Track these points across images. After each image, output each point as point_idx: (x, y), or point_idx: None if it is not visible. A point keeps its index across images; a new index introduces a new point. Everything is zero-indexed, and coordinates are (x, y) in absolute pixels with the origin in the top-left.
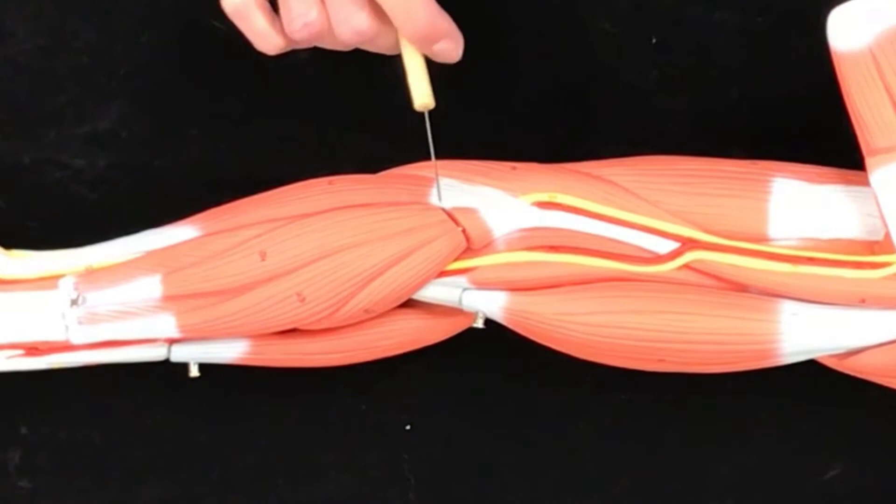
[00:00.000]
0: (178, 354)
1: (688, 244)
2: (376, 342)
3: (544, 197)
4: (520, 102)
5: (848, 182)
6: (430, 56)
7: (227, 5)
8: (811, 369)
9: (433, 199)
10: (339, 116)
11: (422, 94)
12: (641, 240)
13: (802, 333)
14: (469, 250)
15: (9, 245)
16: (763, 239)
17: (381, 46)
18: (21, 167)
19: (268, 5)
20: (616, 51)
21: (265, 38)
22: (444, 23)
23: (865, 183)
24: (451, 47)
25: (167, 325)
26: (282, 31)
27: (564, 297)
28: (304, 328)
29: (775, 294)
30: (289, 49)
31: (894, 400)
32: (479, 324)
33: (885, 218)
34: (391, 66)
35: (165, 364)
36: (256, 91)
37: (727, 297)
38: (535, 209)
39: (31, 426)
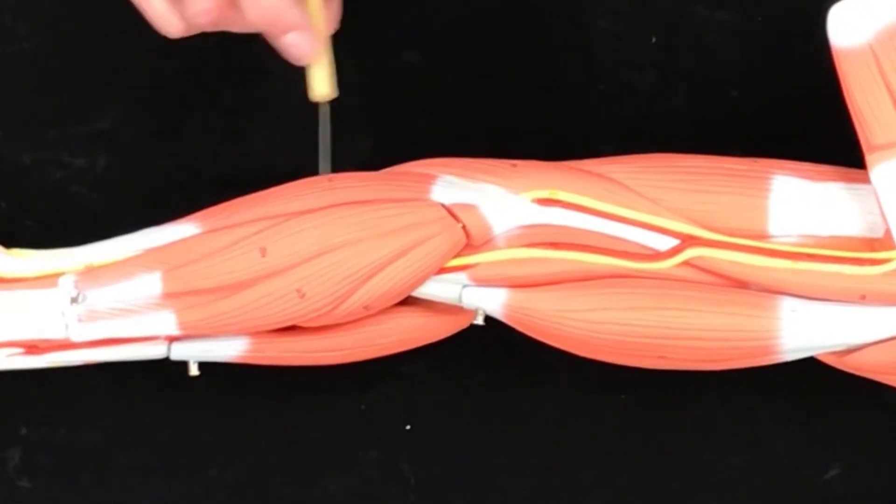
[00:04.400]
0: (178, 352)
1: (688, 241)
2: (376, 340)
3: (545, 194)
4: (520, 101)
5: (848, 179)
6: (282, 51)
7: None
8: (811, 368)
9: (434, 196)
10: (339, 116)
11: (324, 84)
12: (641, 237)
13: (802, 330)
14: (469, 247)
15: (9, 245)
16: (763, 236)
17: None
18: (21, 167)
19: None
20: (616, 50)
21: (166, 20)
22: (293, 14)
23: (865, 180)
24: (299, 42)
25: (167, 322)
26: (182, 14)
27: (565, 294)
28: (304, 325)
29: (775, 291)
30: (193, 33)
31: (894, 399)
32: (480, 321)
33: (885, 215)
34: (392, 64)
35: (165, 363)
36: (256, 91)
37: (727, 293)
38: (536, 206)
39: (31, 426)
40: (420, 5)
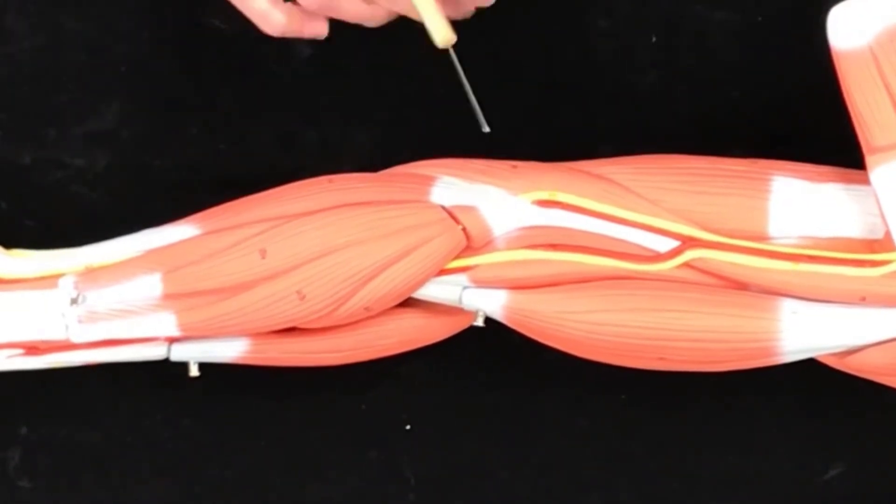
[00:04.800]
0: (178, 353)
1: (688, 242)
2: (376, 341)
3: (544, 195)
4: (520, 101)
5: (848, 181)
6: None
7: None
8: (811, 369)
9: (434, 198)
10: (339, 116)
11: (441, 31)
12: (641, 238)
13: (803, 331)
14: (469, 248)
15: (9, 245)
16: (763, 237)
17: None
18: (21, 167)
19: None
20: (615, 50)
21: (266, 17)
22: None
23: (865, 181)
24: None
25: (167, 323)
26: (284, 8)
27: (564, 296)
28: (304, 326)
29: (775, 292)
30: (290, 30)
31: (894, 399)
32: (480, 322)
33: (885, 216)
34: (392, 64)
35: (165, 364)
36: (256, 90)
37: (727, 295)
38: (536, 207)
39: (31, 426)
40: None
